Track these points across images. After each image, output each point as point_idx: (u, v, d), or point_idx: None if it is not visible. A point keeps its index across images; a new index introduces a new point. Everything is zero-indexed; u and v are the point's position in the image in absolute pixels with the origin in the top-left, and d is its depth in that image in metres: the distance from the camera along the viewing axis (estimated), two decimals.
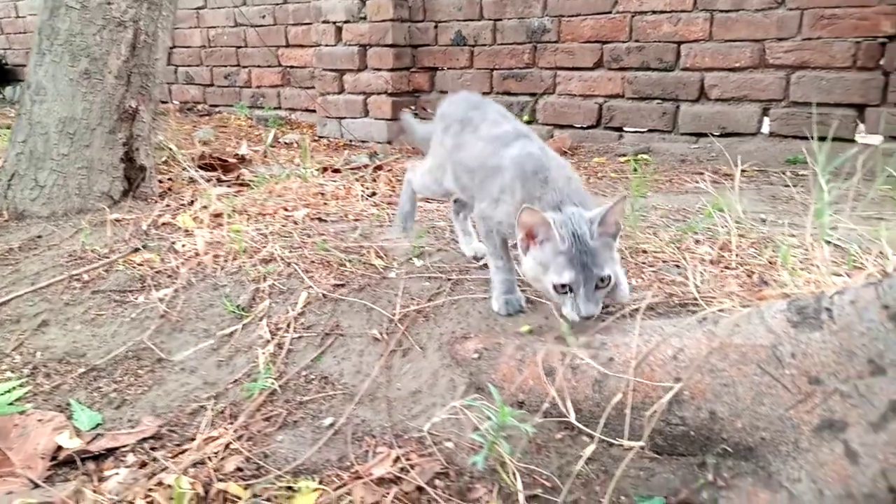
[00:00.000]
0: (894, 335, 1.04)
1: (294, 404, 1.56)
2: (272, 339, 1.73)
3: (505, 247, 1.64)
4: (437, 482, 1.32)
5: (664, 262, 1.69)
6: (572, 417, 1.26)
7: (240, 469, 1.43)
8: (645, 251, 1.79)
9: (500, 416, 1.24)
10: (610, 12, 3.83)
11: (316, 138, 4.70)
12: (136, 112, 2.64)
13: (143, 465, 1.48)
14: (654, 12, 3.70)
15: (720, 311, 1.33)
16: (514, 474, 1.26)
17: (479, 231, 1.69)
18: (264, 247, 2.10)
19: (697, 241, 1.83)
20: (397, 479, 1.33)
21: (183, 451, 1.50)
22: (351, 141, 4.55)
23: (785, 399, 1.13)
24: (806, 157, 3.30)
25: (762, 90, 3.51)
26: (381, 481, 1.33)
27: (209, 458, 1.46)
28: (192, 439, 1.54)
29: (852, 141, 3.26)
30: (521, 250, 1.44)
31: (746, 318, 1.22)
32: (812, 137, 2.16)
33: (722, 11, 3.52)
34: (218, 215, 2.47)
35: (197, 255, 2.17)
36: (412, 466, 1.34)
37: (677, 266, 1.64)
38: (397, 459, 1.36)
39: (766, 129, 3.57)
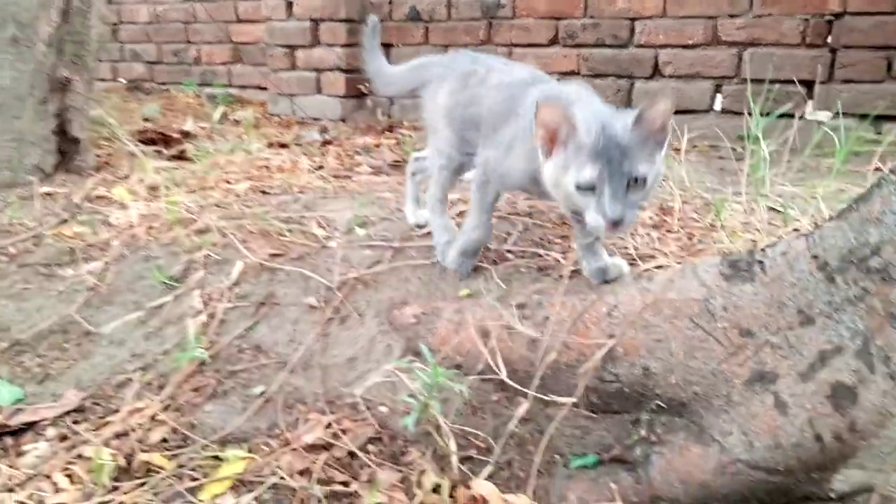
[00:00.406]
0: (823, 285, 1.03)
1: (224, 374, 1.50)
2: (204, 309, 1.67)
3: (492, 206, 1.52)
4: (369, 447, 1.29)
5: None
6: (503, 375, 1.23)
7: (165, 440, 1.37)
8: None
9: (433, 377, 1.20)
10: None
11: (268, 116, 4.58)
12: (68, 82, 2.52)
13: (63, 438, 1.42)
14: None
15: (657, 268, 1.32)
16: (447, 436, 1.23)
17: (475, 179, 1.51)
18: (200, 218, 2.02)
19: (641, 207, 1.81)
20: (328, 445, 1.29)
21: (106, 424, 1.44)
22: (304, 119, 4.44)
23: (717, 353, 1.12)
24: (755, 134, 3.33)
25: (715, 67, 3.51)
26: (311, 448, 1.29)
27: (133, 429, 1.40)
28: (117, 411, 1.47)
29: (801, 118, 3.29)
30: (543, 156, 1.23)
31: (680, 273, 1.20)
32: (762, 114, 2.17)
33: None
34: (155, 188, 2.38)
35: (131, 227, 2.09)
36: (344, 432, 1.30)
37: None
38: (329, 426, 1.32)
39: (718, 105, 3.58)
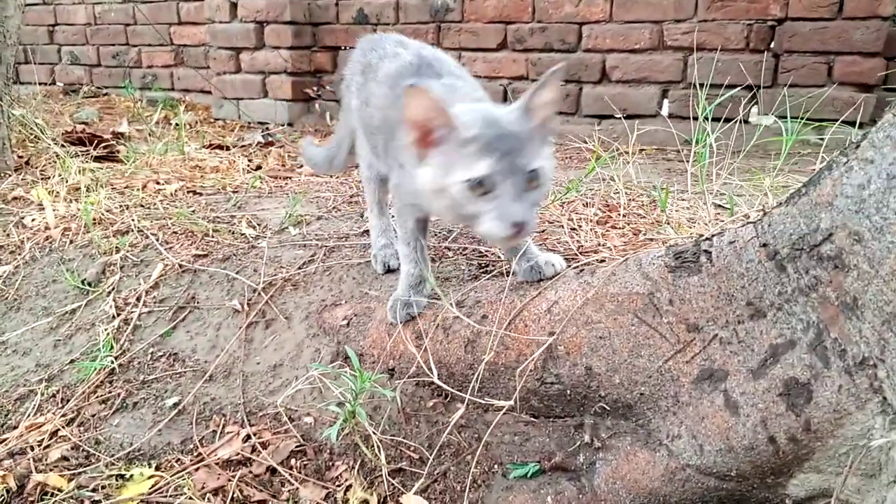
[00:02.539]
0: (773, 274, 0.96)
1: (136, 384, 1.37)
2: (118, 314, 1.53)
3: (417, 234, 1.25)
4: (292, 462, 1.17)
5: (549, 222, 1.59)
6: (435, 377, 1.13)
7: (65, 458, 1.23)
8: None
9: (360, 382, 1.09)
10: None
11: (212, 120, 4.42)
12: None
13: None
14: None
15: (599, 261, 1.24)
16: (377, 447, 1.13)
17: (394, 208, 1.31)
18: (122, 219, 1.88)
19: (586, 205, 1.75)
20: (246, 460, 1.17)
21: (1, 442, 1.29)
22: (249, 123, 4.30)
23: (663, 349, 1.04)
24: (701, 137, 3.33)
25: (661, 72, 3.51)
26: (227, 464, 1.17)
27: (31, 447, 1.26)
28: (15, 427, 1.33)
29: (746, 121, 3.30)
30: (415, 158, 1.05)
31: (623, 266, 1.13)
32: (707, 119, 2.13)
33: None
34: (77, 189, 2.22)
35: (47, 228, 1.93)
36: (264, 445, 1.19)
37: (562, 227, 1.54)
38: (248, 438, 1.20)
39: (665, 110, 3.58)
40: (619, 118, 3.59)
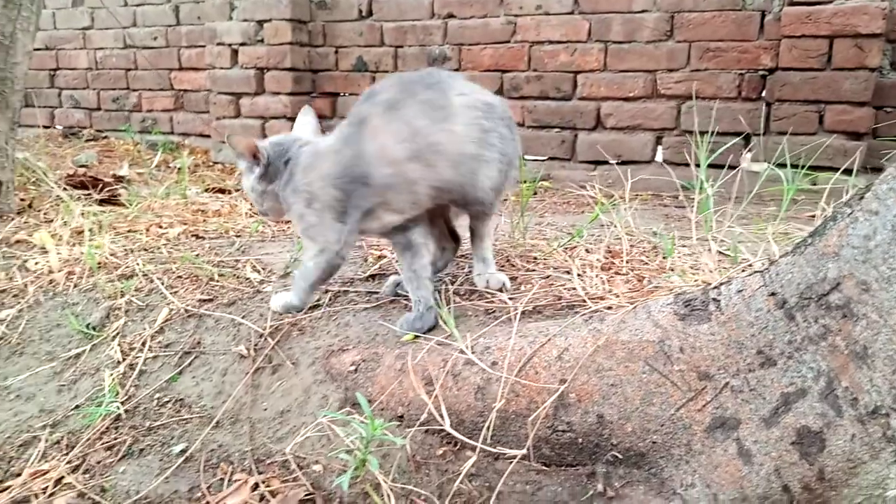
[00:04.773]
0: (783, 323, 0.98)
1: (142, 431, 1.36)
2: (123, 359, 1.52)
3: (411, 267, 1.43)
4: None
5: (554, 268, 1.61)
6: (447, 424, 1.13)
7: None
8: (535, 258, 1.71)
9: (370, 430, 1.09)
10: (509, 41, 3.85)
11: (211, 164, 4.46)
12: None
13: None
14: (551, 42, 3.75)
15: (607, 308, 1.25)
16: (388, 496, 1.12)
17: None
18: (126, 263, 1.88)
19: (588, 250, 1.77)
20: None
21: (4, 490, 1.27)
22: None
23: (675, 398, 1.05)
24: (695, 185, 3.39)
25: (655, 119, 3.59)
26: None
27: (35, 495, 1.24)
28: (19, 474, 1.31)
29: (738, 168, 3.37)
30: (248, 170, 1.46)
31: (633, 314, 1.14)
32: (699, 164, 2.19)
33: (615, 42, 3.60)
34: (80, 232, 2.23)
35: (50, 272, 1.93)
36: (273, 494, 1.17)
37: (567, 273, 1.56)
38: (256, 487, 1.19)
39: (659, 157, 3.65)
40: (614, 164, 3.66)
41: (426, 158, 1.34)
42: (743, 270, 1.45)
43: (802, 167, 2.33)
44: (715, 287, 1.09)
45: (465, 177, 1.38)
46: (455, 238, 1.64)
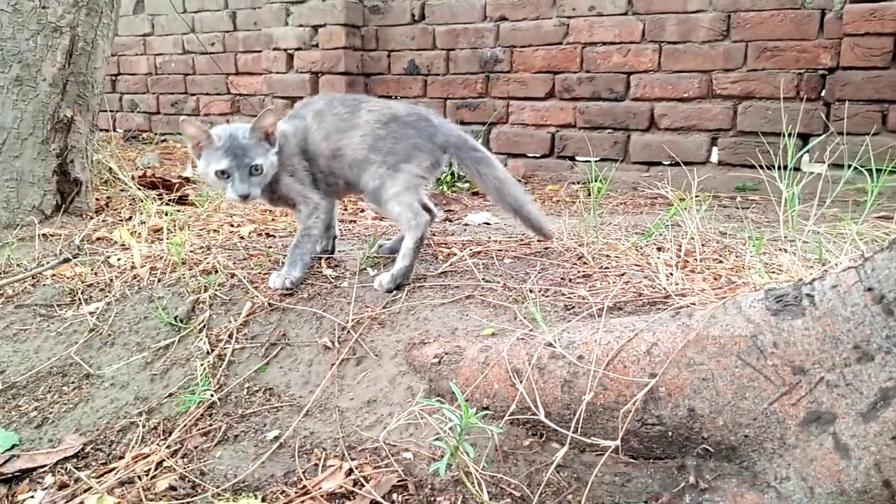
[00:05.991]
0: (880, 318, 0.99)
1: (235, 418, 1.42)
2: (212, 350, 1.59)
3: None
4: (394, 496, 1.20)
5: (628, 266, 1.63)
6: (542, 414, 1.16)
7: (173, 488, 1.28)
8: (608, 256, 1.73)
9: (464, 418, 1.13)
10: (561, 43, 3.86)
11: None
12: (71, 122, 2.48)
13: (62, 486, 1.32)
14: (604, 43, 3.75)
15: (691, 304, 1.27)
16: (479, 484, 1.16)
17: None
18: (206, 259, 1.96)
19: (660, 249, 1.78)
20: (350, 493, 1.21)
21: (110, 471, 1.35)
22: None
23: (768, 392, 1.06)
24: (754, 185, 3.36)
25: (710, 120, 3.57)
26: (331, 496, 1.20)
27: (138, 476, 1.31)
28: (121, 457, 1.38)
29: (798, 169, 3.33)
30: (194, 156, 1.69)
31: (723, 309, 1.16)
32: (761, 166, 2.16)
33: (670, 43, 3.59)
34: (157, 230, 2.32)
35: (133, 268, 2.02)
36: (366, 479, 1.22)
37: (642, 271, 1.58)
38: (350, 472, 1.24)
39: (714, 158, 3.62)
40: (667, 165, 3.64)
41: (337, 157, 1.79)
42: (826, 268, 1.45)
43: (866, 168, 2.30)
44: (808, 283, 1.10)
45: (356, 174, 1.78)
46: (428, 210, 1.89)
